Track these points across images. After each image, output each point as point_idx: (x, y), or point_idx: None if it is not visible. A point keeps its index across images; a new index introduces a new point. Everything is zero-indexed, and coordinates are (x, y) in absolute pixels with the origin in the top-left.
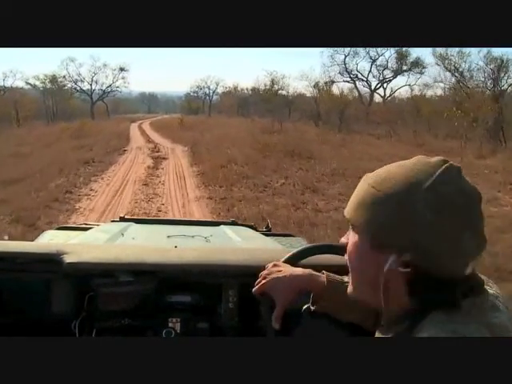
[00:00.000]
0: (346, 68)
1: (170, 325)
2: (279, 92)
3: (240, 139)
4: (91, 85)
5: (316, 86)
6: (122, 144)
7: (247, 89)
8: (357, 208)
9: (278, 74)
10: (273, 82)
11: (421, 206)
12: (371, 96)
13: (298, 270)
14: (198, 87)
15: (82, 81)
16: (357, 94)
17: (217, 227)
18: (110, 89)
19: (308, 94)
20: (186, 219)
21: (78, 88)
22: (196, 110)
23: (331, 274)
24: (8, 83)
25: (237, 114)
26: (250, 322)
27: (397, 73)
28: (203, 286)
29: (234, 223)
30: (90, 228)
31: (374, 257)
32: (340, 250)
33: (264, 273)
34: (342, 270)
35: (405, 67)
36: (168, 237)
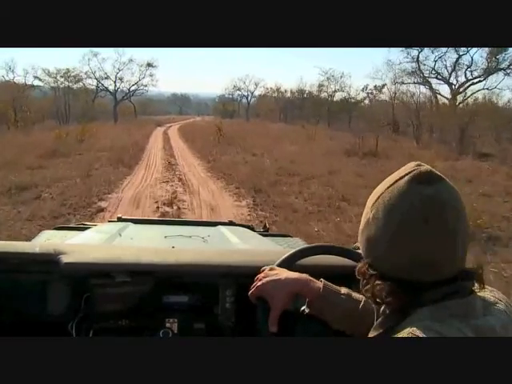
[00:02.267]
0: (420, 66)
1: (167, 325)
2: (336, 94)
3: (339, 174)
4: (115, 82)
5: (377, 88)
6: (116, 180)
7: (291, 90)
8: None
9: (336, 72)
10: (329, 82)
11: (374, 212)
12: (436, 101)
13: (295, 274)
14: (234, 87)
15: (105, 78)
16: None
17: (214, 227)
18: (136, 87)
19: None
20: (183, 219)
21: (101, 86)
22: (231, 112)
23: (329, 283)
24: (29, 80)
25: (279, 118)
26: (247, 322)
27: (489, 72)
28: (200, 287)
29: (231, 223)
30: (88, 228)
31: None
32: (330, 250)
33: (260, 276)
34: (334, 271)
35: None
36: (165, 237)
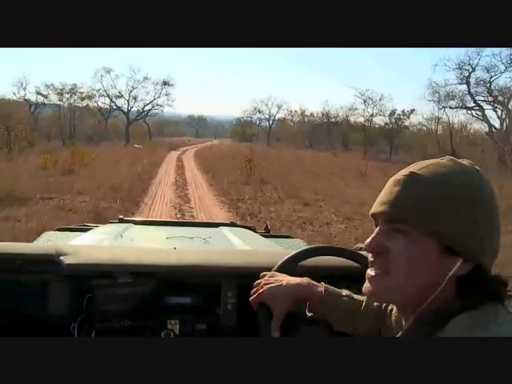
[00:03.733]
0: (469, 89)
1: (169, 326)
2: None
3: None
4: (128, 101)
5: (405, 114)
6: None
7: (317, 114)
8: (416, 208)
9: (374, 93)
10: (366, 105)
11: (480, 207)
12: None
13: (296, 280)
14: (254, 110)
15: (119, 96)
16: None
17: (216, 229)
18: (150, 106)
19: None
20: (185, 221)
21: (113, 104)
22: (250, 136)
23: (330, 287)
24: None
25: (304, 144)
26: (249, 323)
27: None
28: (202, 288)
29: (232, 224)
30: (90, 229)
31: (439, 261)
32: (329, 252)
33: (262, 282)
34: (333, 272)
35: None
36: (167, 238)
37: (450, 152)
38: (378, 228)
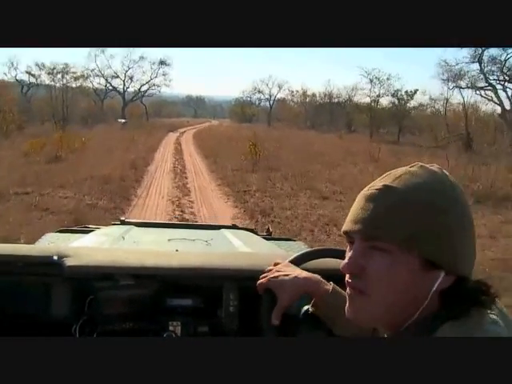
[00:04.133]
0: (482, 68)
1: (171, 328)
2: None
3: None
4: (124, 81)
5: (408, 94)
6: None
7: (320, 94)
8: (393, 223)
9: (381, 72)
10: (372, 85)
11: (453, 214)
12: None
13: (307, 274)
14: (254, 90)
15: (115, 77)
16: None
17: (217, 231)
18: (147, 86)
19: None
20: (186, 223)
21: (108, 85)
22: (249, 117)
23: (338, 288)
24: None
25: (306, 125)
26: (251, 325)
27: None
28: (204, 290)
29: (234, 227)
30: (91, 231)
31: (420, 276)
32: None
33: (274, 269)
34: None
35: None
36: (169, 240)
37: (463, 134)
38: (354, 247)
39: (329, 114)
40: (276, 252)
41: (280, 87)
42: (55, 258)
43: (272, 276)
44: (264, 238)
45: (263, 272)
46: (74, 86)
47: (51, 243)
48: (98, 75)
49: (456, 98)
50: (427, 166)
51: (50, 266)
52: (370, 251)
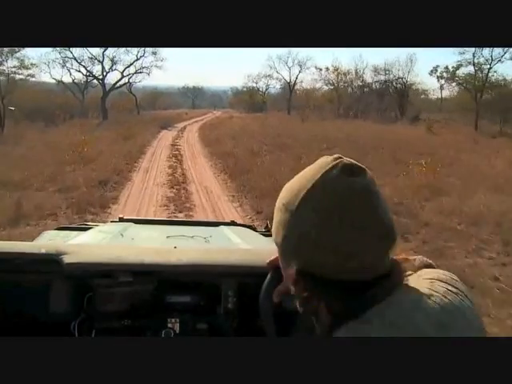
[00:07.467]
0: None
1: (169, 325)
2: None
3: None
4: (102, 63)
5: (448, 71)
6: None
7: (358, 70)
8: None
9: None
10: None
11: (304, 210)
12: None
13: None
14: (270, 69)
15: (92, 59)
16: None
17: (216, 228)
18: (133, 69)
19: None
20: (185, 220)
21: (88, 74)
22: (260, 105)
23: None
24: None
25: (337, 114)
26: (250, 322)
27: None
28: (202, 287)
29: (233, 224)
30: (90, 228)
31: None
32: None
33: None
34: None
35: None
36: (167, 237)
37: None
38: None
39: (378, 98)
40: (274, 248)
41: (301, 65)
42: (54, 255)
43: None
44: (262, 234)
45: (262, 268)
46: (22, 76)
47: (50, 241)
48: (72, 58)
49: None
50: (318, 160)
51: (49, 264)
52: None
